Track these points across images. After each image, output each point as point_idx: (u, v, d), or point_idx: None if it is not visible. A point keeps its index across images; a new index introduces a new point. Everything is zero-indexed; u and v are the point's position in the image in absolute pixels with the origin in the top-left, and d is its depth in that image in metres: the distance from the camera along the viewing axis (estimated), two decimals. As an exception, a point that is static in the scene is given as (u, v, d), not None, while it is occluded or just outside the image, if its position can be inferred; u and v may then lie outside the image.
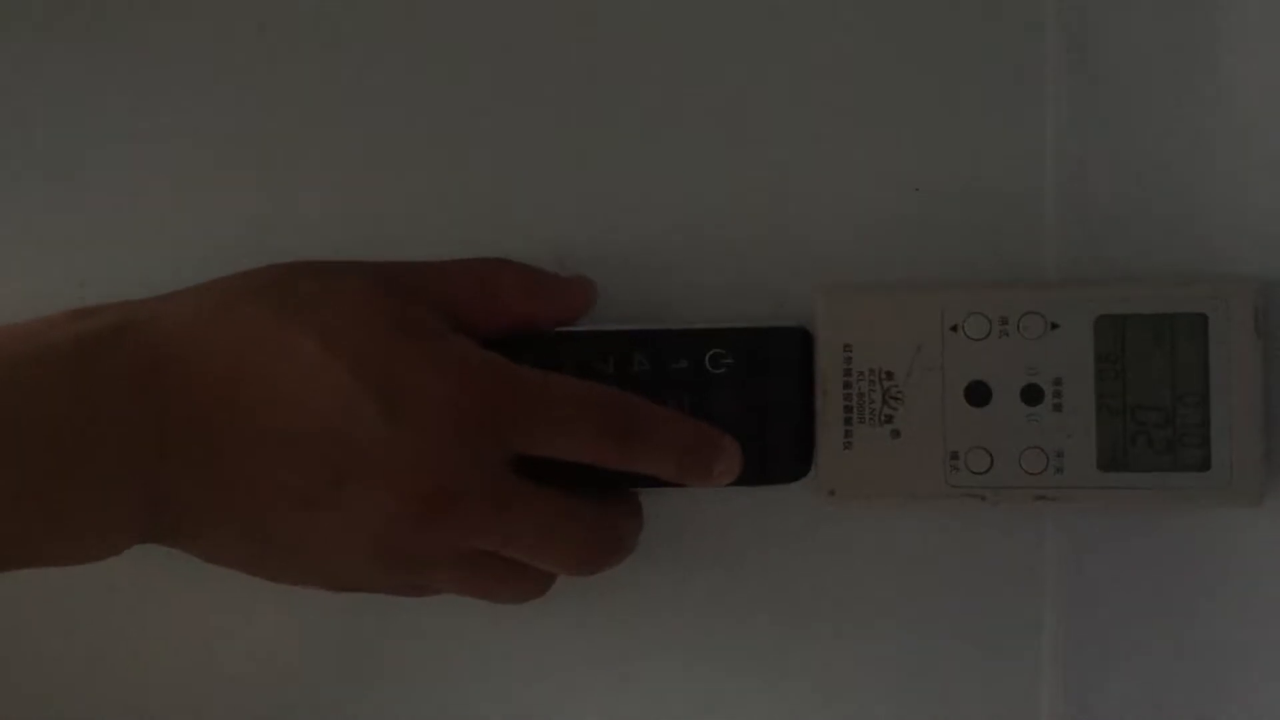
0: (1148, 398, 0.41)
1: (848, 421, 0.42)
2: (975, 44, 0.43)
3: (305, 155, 0.45)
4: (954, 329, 0.42)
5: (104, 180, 0.45)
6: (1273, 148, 0.42)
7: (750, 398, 0.42)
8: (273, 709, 0.45)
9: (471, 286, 0.41)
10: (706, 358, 0.42)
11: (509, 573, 0.41)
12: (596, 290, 0.43)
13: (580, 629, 0.45)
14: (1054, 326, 0.42)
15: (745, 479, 0.42)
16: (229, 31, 0.45)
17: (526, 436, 0.39)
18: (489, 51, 0.44)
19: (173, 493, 0.38)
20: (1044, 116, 0.43)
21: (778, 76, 0.44)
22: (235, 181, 0.45)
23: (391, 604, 0.42)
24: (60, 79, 0.45)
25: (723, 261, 0.44)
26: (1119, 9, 0.42)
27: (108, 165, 0.45)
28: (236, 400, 0.38)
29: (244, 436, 0.38)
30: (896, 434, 0.42)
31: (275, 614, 0.45)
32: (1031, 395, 0.42)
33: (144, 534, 0.39)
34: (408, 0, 0.45)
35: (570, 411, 0.40)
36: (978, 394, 0.42)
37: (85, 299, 0.40)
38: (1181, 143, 0.42)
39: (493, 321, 0.41)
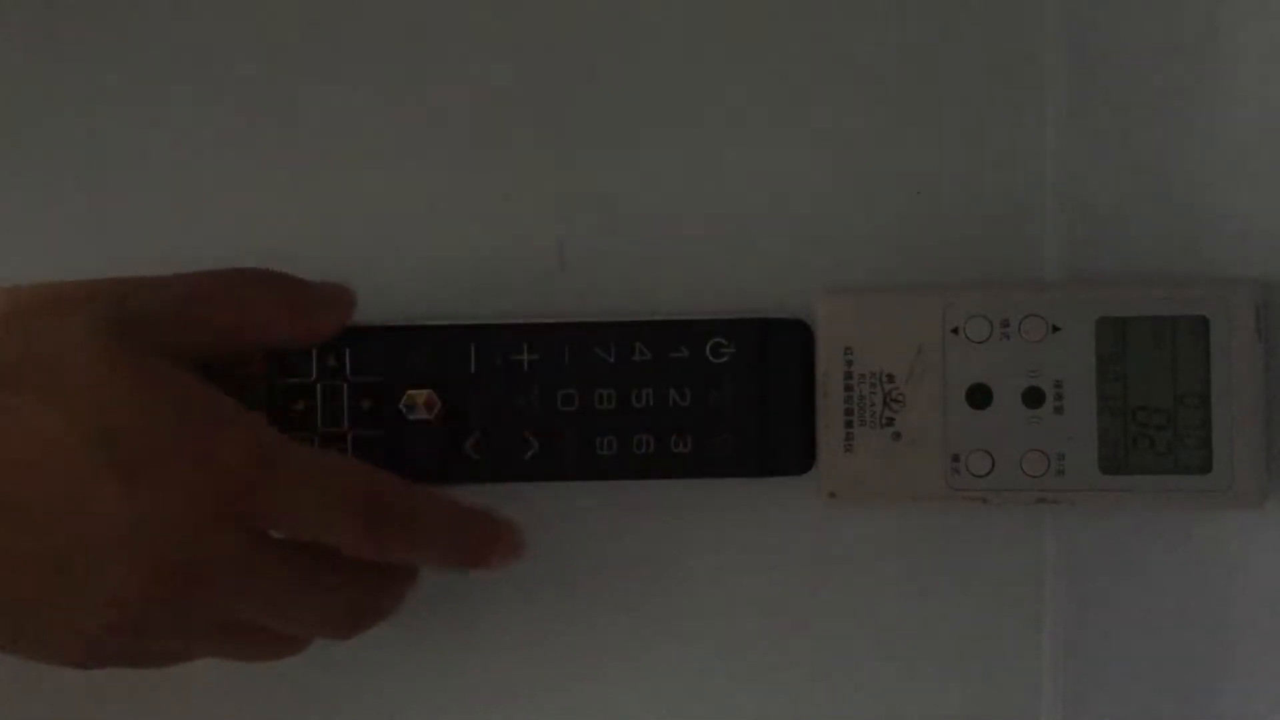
0: (1149, 400, 0.41)
1: (849, 424, 0.42)
2: (976, 45, 0.43)
3: (296, 154, 0.44)
4: (955, 331, 0.42)
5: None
6: (1274, 149, 0.42)
7: (752, 388, 0.42)
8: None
9: (220, 304, 0.39)
10: (708, 347, 0.42)
11: (262, 636, 0.39)
12: (355, 300, 0.40)
13: (580, 628, 0.44)
14: (1055, 329, 0.41)
15: (747, 471, 0.42)
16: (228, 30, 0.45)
17: (270, 518, 0.37)
18: (489, 47, 0.44)
19: None
20: (1044, 118, 0.43)
21: (777, 76, 0.44)
22: (233, 179, 0.45)
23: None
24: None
25: (719, 263, 0.44)
26: (1119, 9, 0.42)
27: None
28: None
29: None
30: (897, 436, 0.42)
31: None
32: (1033, 398, 0.42)
33: None
34: None
35: (320, 497, 0.38)
36: (979, 396, 0.42)
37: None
38: (1181, 144, 0.42)
39: (245, 338, 0.40)
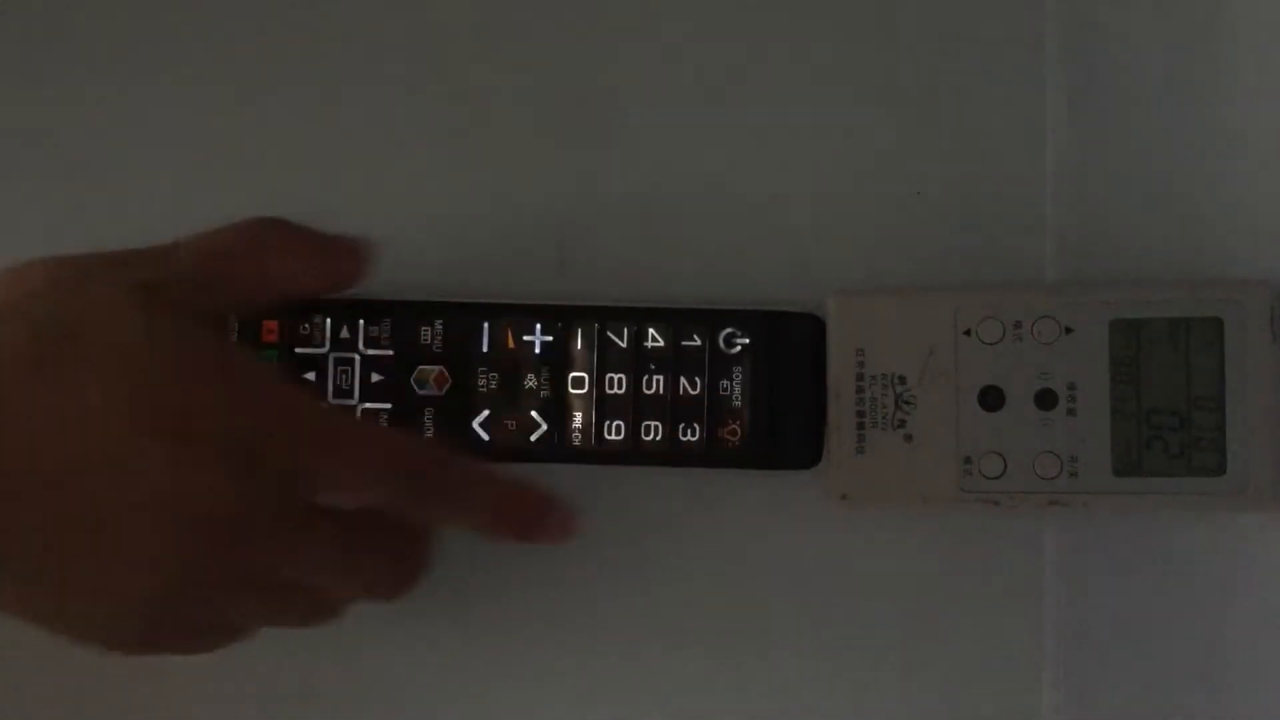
0: (1162, 402, 0.41)
1: (860, 426, 0.42)
2: (977, 45, 0.44)
3: (300, 145, 0.45)
4: (967, 333, 0.42)
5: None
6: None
7: (762, 380, 0.42)
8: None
9: (243, 256, 0.39)
10: (720, 337, 0.42)
11: (305, 599, 0.39)
12: (371, 252, 0.40)
13: (580, 613, 0.44)
14: (1068, 331, 0.41)
15: (754, 463, 0.42)
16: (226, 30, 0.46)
17: (310, 477, 0.37)
18: (491, 42, 0.45)
19: None
20: (1044, 119, 0.43)
21: (776, 77, 0.44)
22: (230, 175, 0.45)
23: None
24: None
25: (727, 262, 0.44)
26: (1119, 10, 0.43)
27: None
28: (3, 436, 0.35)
29: (11, 472, 0.35)
30: (909, 438, 0.42)
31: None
32: (1045, 400, 0.41)
33: None
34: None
35: (359, 456, 0.38)
36: (991, 398, 0.42)
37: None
38: (1186, 144, 0.43)
39: (263, 292, 0.40)
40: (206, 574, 0.36)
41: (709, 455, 0.42)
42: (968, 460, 0.42)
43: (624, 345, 0.42)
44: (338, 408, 0.39)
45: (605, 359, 0.42)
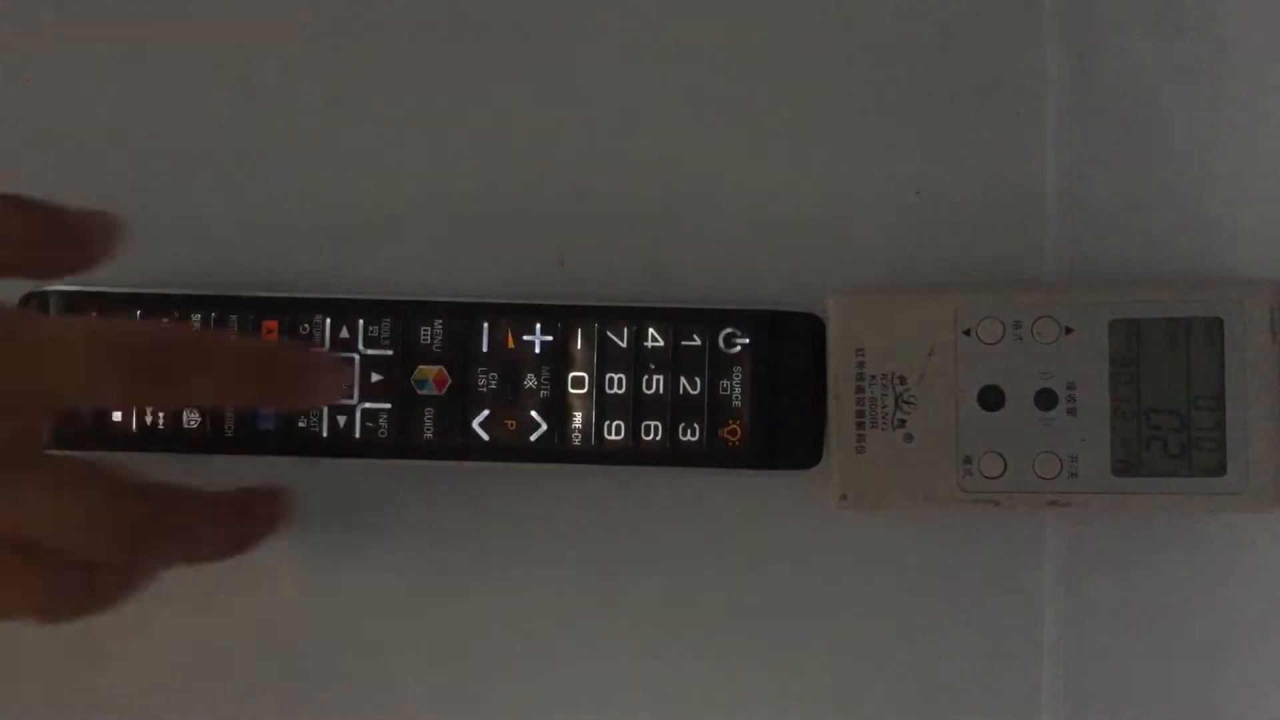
0: (1162, 402, 0.41)
1: (860, 426, 0.42)
2: (976, 46, 0.44)
3: (298, 145, 0.45)
4: (967, 333, 0.42)
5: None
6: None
7: (762, 380, 0.42)
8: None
9: None
10: (720, 337, 0.42)
11: (48, 568, 0.36)
12: (118, 231, 0.37)
13: (579, 615, 0.44)
14: (1068, 330, 0.41)
15: (754, 463, 0.42)
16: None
17: (44, 393, 0.34)
18: (491, 43, 0.45)
19: None
20: (1045, 119, 0.43)
21: (775, 78, 0.44)
22: (228, 175, 0.45)
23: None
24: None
25: (719, 265, 0.44)
26: (1119, 9, 0.43)
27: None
28: None
29: None
30: (909, 438, 0.42)
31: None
32: (1045, 399, 0.41)
33: None
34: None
35: (90, 357, 0.34)
36: (991, 398, 0.42)
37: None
38: (1186, 143, 0.43)
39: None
40: None
41: (709, 455, 0.42)
42: (968, 460, 0.42)
43: (624, 345, 0.42)
44: (56, 318, 0.36)
45: (605, 359, 0.42)
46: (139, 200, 0.44)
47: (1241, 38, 0.43)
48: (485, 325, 0.42)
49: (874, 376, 0.42)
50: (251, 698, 0.44)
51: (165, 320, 0.39)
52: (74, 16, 0.45)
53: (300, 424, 0.42)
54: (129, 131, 0.45)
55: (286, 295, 0.42)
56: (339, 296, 0.41)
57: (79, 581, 0.36)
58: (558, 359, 0.42)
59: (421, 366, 0.42)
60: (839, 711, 0.43)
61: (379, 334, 0.42)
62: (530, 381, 0.42)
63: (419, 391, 0.42)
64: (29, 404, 0.35)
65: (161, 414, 0.42)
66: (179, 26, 0.45)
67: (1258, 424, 0.41)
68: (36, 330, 0.35)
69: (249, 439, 0.42)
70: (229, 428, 0.42)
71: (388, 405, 0.42)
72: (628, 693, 0.43)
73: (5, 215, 0.36)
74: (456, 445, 0.42)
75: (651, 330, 0.42)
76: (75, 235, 0.37)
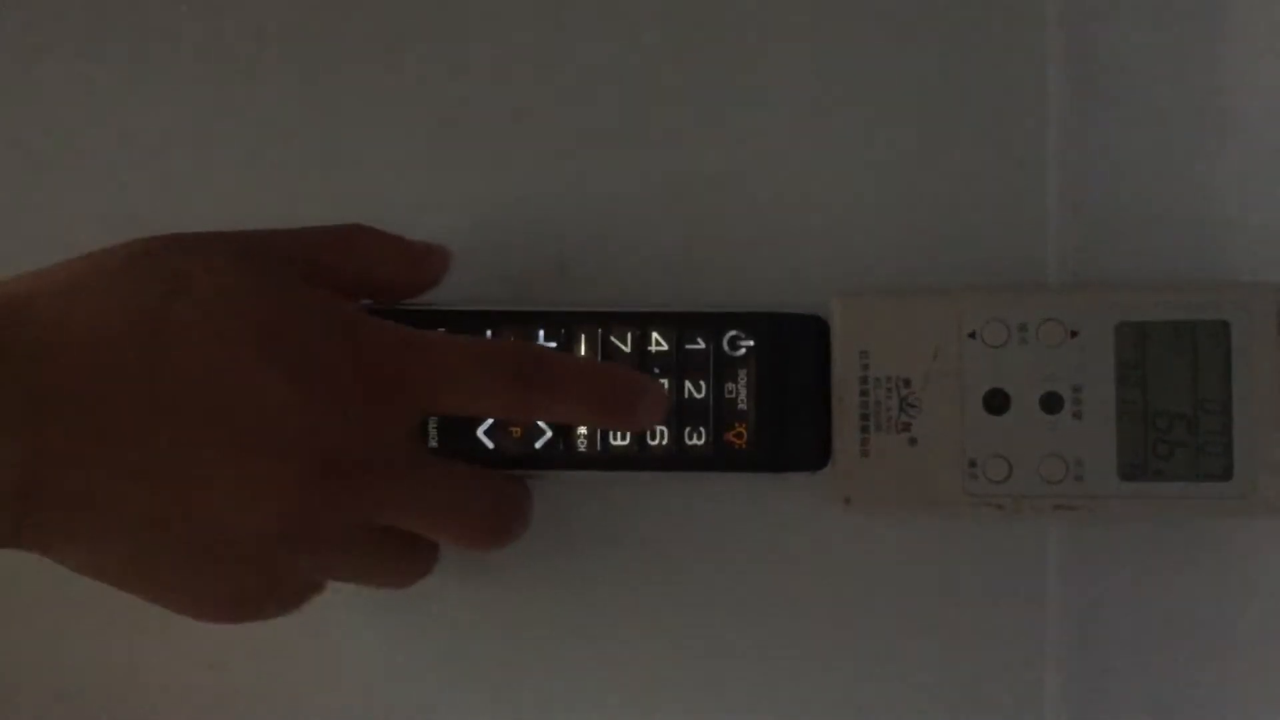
0: (1169, 405, 0.41)
1: (864, 429, 0.42)
2: (979, 48, 0.44)
3: (301, 151, 0.45)
4: (972, 336, 0.42)
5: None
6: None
7: (767, 382, 0.42)
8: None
9: (333, 252, 0.40)
10: (724, 340, 0.42)
11: (406, 551, 0.40)
12: (450, 258, 0.42)
13: (588, 620, 0.44)
14: (1074, 333, 0.41)
15: (761, 466, 0.42)
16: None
17: (431, 398, 0.38)
18: (494, 44, 0.45)
19: (48, 470, 0.34)
20: (1047, 121, 0.43)
21: (775, 79, 0.44)
22: (231, 181, 0.45)
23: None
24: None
25: (723, 268, 0.44)
26: (1120, 11, 0.43)
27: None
28: (125, 369, 0.35)
29: (136, 405, 0.35)
30: (914, 442, 0.42)
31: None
32: (1051, 403, 0.41)
33: (14, 519, 0.34)
34: None
35: (471, 367, 0.38)
36: (996, 401, 0.42)
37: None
38: (1191, 145, 0.42)
39: (355, 288, 0.40)
40: (320, 511, 0.36)
41: (715, 459, 0.42)
42: (972, 464, 0.41)
43: (628, 350, 0.42)
44: (433, 331, 0.39)
45: None
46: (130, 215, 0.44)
47: (1244, 38, 0.43)
48: (489, 333, 0.42)
49: (878, 379, 0.42)
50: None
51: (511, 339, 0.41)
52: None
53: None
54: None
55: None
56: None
57: (428, 559, 0.41)
58: None
59: (426, 374, 0.42)
60: (844, 713, 0.43)
61: None
62: None
63: (424, 399, 0.42)
64: (426, 405, 0.38)
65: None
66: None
67: (1265, 428, 0.40)
68: (434, 340, 0.38)
69: None
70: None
71: None
72: (635, 696, 0.43)
73: (362, 239, 0.40)
74: (463, 454, 0.42)
75: (655, 335, 0.42)
76: (419, 259, 0.41)
